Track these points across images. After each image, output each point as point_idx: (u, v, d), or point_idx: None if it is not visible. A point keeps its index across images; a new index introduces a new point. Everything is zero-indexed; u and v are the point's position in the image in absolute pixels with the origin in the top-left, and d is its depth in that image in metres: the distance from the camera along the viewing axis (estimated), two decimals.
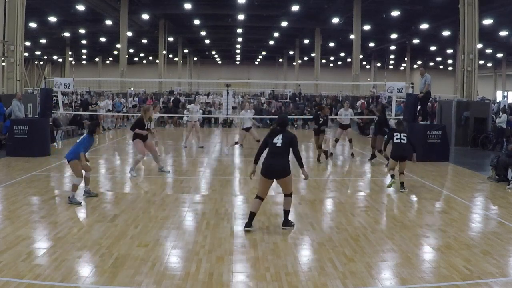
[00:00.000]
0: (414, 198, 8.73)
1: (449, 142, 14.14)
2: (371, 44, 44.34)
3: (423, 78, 13.60)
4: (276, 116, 8.98)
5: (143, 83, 38.18)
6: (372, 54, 53.35)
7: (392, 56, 53.77)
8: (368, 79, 52.39)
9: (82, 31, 37.84)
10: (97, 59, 58.87)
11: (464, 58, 16.68)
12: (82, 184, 8.07)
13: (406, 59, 50.35)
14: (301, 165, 6.49)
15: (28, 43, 39.53)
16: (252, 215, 6.42)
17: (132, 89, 34.49)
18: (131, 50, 48.21)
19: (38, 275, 4.72)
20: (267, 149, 6.47)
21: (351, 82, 30.54)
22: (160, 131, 17.01)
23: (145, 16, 32.77)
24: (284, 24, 34.11)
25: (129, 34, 34.72)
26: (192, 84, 48.18)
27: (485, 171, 11.11)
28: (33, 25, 32.99)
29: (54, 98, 18.04)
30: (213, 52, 60.21)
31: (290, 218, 6.62)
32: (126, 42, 31.39)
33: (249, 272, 4.99)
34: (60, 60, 59.13)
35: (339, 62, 61.42)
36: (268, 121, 22.59)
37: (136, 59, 58.97)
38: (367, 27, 33.06)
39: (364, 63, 55.99)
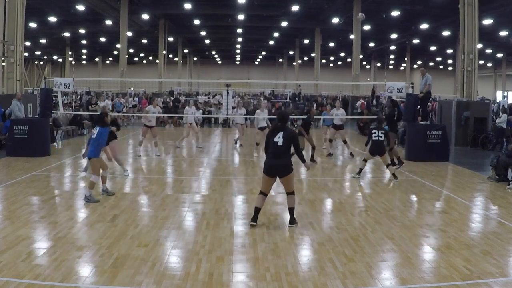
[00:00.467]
0: (414, 198, 8.73)
1: (449, 142, 14.14)
2: (371, 44, 44.32)
3: (424, 78, 13.60)
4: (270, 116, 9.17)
5: (143, 83, 38.17)
6: (372, 54, 53.33)
7: (392, 56, 53.74)
8: (368, 79, 52.38)
9: (82, 31, 37.81)
10: (97, 59, 58.85)
11: (464, 58, 16.68)
12: (82, 185, 8.07)
13: (406, 59, 50.33)
14: (303, 160, 6.76)
15: (28, 43, 39.50)
16: (257, 210, 6.56)
17: (132, 89, 34.48)
18: (131, 50, 48.18)
19: (38, 275, 4.71)
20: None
21: (351, 82, 30.54)
22: (160, 131, 16.99)
23: (145, 16, 32.75)
24: (284, 24, 34.09)
25: (129, 34, 34.70)
26: (192, 84, 48.19)
27: (485, 171, 11.11)
28: (33, 25, 32.97)
29: (54, 98, 18.04)
30: (213, 52, 60.18)
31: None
32: (126, 42, 31.38)
33: (249, 272, 4.99)
34: (60, 60, 59.11)
35: (339, 62, 61.39)
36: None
37: (136, 59, 58.94)
38: (367, 27, 33.04)
39: (364, 63, 55.96)
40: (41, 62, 61.25)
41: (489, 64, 56.17)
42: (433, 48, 45.55)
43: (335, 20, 32.48)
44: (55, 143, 15.33)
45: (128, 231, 6.23)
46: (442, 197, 8.88)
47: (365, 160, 10.48)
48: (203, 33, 41.86)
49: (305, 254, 5.64)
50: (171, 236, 6.11)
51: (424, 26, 32.30)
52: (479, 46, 21.67)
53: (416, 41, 40.16)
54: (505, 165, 10.02)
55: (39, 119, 13.42)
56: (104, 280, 4.67)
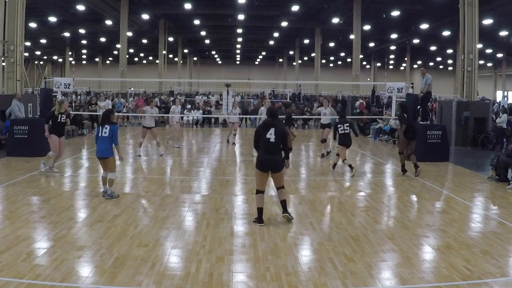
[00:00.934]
0: (414, 198, 8.73)
1: (449, 142, 14.14)
2: (371, 44, 44.33)
3: (424, 78, 13.60)
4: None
5: (143, 83, 38.17)
6: (372, 54, 53.34)
7: (392, 56, 53.76)
8: (368, 79, 52.40)
9: (82, 31, 37.82)
10: (97, 59, 58.87)
11: (464, 58, 16.68)
12: (82, 185, 8.07)
13: (406, 59, 50.36)
14: (287, 157, 6.93)
15: (28, 43, 39.54)
16: (260, 211, 6.67)
17: (132, 89, 34.49)
18: (131, 50, 48.20)
19: (38, 275, 4.71)
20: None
21: (351, 82, 30.55)
22: (160, 131, 16.98)
23: (145, 16, 32.76)
24: (284, 24, 34.10)
25: (129, 34, 34.70)
26: (192, 84, 48.18)
27: (485, 171, 11.11)
28: (33, 25, 32.98)
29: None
30: (213, 52, 60.18)
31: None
32: (126, 42, 31.37)
33: (249, 272, 4.99)
34: (60, 60, 59.14)
35: (339, 62, 61.41)
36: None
37: (136, 59, 58.97)
38: (367, 27, 33.04)
39: (364, 63, 55.98)
40: (41, 62, 61.26)
41: (489, 64, 56.19)
42: (433, 48, 45.56)
43: (335, 20, 32.49)
44: None
45: (128, 231, 6.23)
46: (442, 197, 8.88)
47: (338, 155, 11.17)
48: (203, 33, 41.86)
49: (305, 254, 5.64)
50: (171, 236, 6.11)
51: (424, 26, 32.31)
52: (479, 46, 21.69)
53: (416, 41, 40.16)
54: (505, 165, 10.02)
55: (39, 119, 13.41)
56: (104, 280, 4.67)
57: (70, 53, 50.81)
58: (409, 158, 10.72)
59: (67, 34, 40.20)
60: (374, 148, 16.49)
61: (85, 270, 4.92)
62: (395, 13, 28.33)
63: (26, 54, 38.78)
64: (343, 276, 4.87)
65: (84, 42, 46.57)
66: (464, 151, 15.52)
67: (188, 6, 28.81)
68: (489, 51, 43.57)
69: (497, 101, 33.52)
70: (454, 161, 13.21)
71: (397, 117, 16.12)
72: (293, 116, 15.12)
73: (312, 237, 6.16)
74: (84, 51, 54.21)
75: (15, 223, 6.44)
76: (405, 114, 10.95)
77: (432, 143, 13.16)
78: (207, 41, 48.15)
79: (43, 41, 44.35)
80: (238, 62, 65.49)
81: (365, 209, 7.72)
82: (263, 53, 58.96)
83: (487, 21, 26.65)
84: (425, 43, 41.96)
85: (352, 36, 31.15)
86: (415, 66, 56.39)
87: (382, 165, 12.67)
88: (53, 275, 4.73)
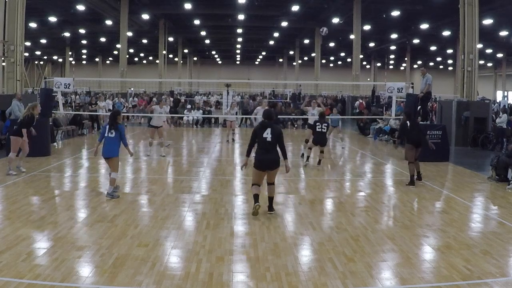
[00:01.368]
0: (414, 198, 8.73)
1: (449, 142, 14.13)
2: (371, 44, 44.34)
3: (424, 78, 13.59)
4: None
5: (143, 83, 38.18)
6: (372, 54, 53.35)
7: (392, 56, 53.79)
8: (368, 79, 52.42)
9: (82, 31, 37.85)
10: (97, 59, 58.89)
11: (464, 58, 16.68)
12: (82, 185, 8.06)
13: (406, 59, 50.37)
14: (285, 157, 7.14)
15: (28, 43, 39.55)
16: (256, 196, 6.97)
17: (132, 89, 34.50)
18: (131, 50, 48.21)
19: (38, 275, 4.71)
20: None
21: (351, 82, 30.56)
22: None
23: (145, 16, 32.78)
24: (284, 24, 34.11)
25: (129, 34, 34.72)
26: (192, 84, 48.18)
27: (485, 171, 11.11)
28: (33, 25, 32.99)
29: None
30: (213, 52, 60.21)
31: (289, 217, 6.78)
32: (126, 42, 31.39)
33: (249, 272, 4.99)
34: (60, 60, 59.16)
35: (339, 62, 61.43)
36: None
37: (136, 59, 58.99)
38: (367, 27, 33.05)
39: (364, 63, 55.99)
40: (41, 62, 61.29)
41: (489, 64, 56.20)
42: (433, 48, 45.57)
43: (335, 20, 32.50)
44: (55, 143, 15.33)
45: (128, 231, 6.23)
46: (442, 197, 8.88)
47: (310, 149, 11.98)
48: (203, 33, 41.88)
49: (305, 254, 5.64)
50: (171, 236, 6.11)
51: (424, 26, 32.32)
52: (479, 46, 21.68)
53: (416, 41, 40.18)
54: (505, 165, 10.02)
55: (39, 119, 13.38)
56: (104, 280, 4.67)
57: (70, 53, 50.85)
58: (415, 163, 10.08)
59: (67, 34, 40.24)
60: (374, 148, 16.49)
61: (85, 270, 4.91)
62: (395, 13, 28.35)
63: (26, 54, 38.77)
64: (343, 276, 4.87)
65: (84, 42, 46.60)
66: (464, 151, 15.52)
67: (188, 6, 28.83)
68: (489, 51, 43.58)
69: (497, 101, 33.54)
70: (454, 161, 13.21)
71: (397, 117, 16.17)
72: (285, 117, 15.38)
73: (312, 237, 6.16)
74: (84, 51, 54.26)
75: (15, 223, 6.44)
76: (407, 122, 10.07)
77: (432, 143, 13.11)
78: (207, 41, 48.18)
79: (43, 41, 44.37)
80: (238, 62, 65.51)
81: (365, 209, 7.72)
82: (263, 53, 58.99)
83: (487, 21, 26.66)
84: (425, 43, 41.97)
85: (352, 36, 31.16)
86: (415, 66, 56.41)
87: (382, 165, 12.66)
88: (53, 275, 4.73)
